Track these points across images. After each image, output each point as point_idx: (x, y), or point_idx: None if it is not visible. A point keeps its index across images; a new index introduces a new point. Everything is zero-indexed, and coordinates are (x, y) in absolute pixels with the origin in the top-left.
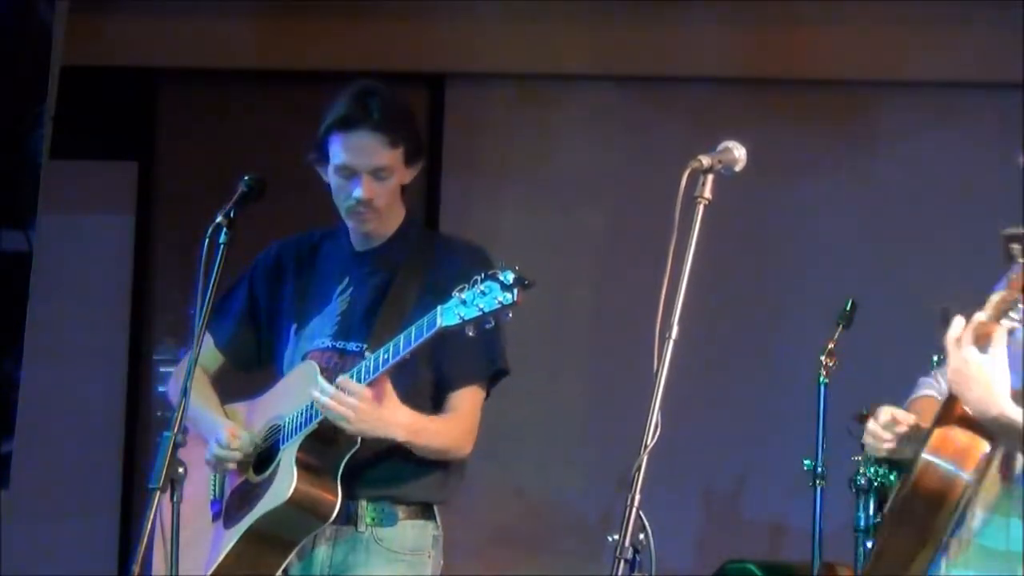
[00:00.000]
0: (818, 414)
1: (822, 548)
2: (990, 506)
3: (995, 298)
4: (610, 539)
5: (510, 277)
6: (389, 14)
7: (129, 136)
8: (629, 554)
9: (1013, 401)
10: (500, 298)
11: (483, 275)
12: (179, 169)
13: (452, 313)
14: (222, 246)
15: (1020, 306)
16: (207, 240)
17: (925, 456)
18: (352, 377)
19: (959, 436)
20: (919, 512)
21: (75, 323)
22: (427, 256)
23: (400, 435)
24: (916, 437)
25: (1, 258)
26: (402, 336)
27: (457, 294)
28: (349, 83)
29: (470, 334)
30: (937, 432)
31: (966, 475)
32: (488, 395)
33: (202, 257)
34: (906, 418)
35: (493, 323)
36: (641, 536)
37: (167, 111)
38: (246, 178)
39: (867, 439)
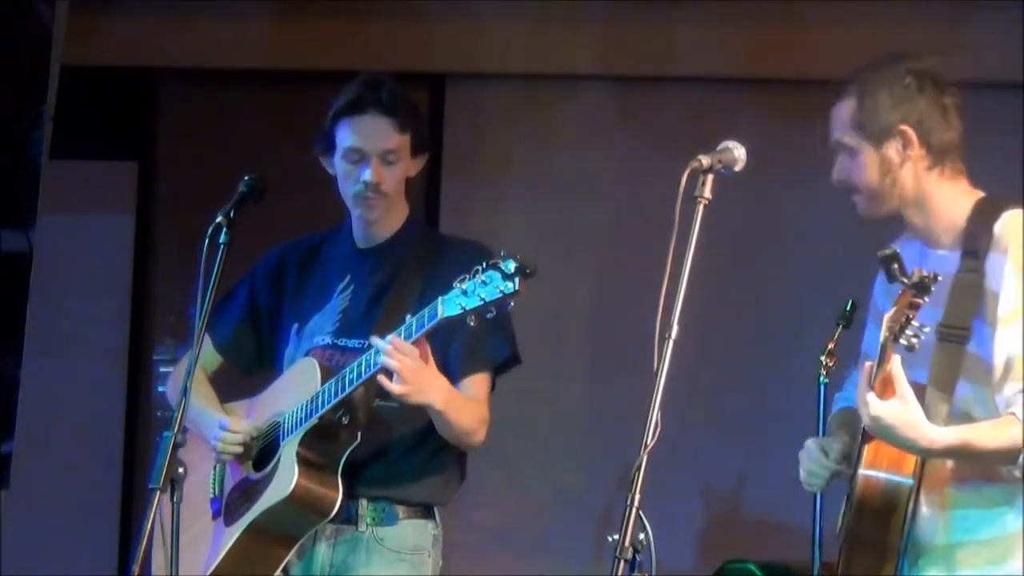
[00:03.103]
0: (818, 414)
1: (822, 548)
2: (943, 504)
3: (886, 320)
4: (610, 539)
5: (511, 266)
6: (389, 14)
7: (129, 136)
8: (629, 554)
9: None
10: (501, 287)
11: (484, 265)
12: (179, 169)
13: (453, 303)
14: (222, 246)
15: (914, 323)
16: (207, 240)
17: (862, 472)
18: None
19: (883, 462)
20: (870, 529)
21: (75, 323)
22: (429, 254)
23: (438, 402)
24: (850, 456)
25: (1, 258)
26: (403, 328)
27: (458, 284)
28: (352, 79)
29: (471, 323)
30: (868, 447)
31: (907, 480)
32: (494, 386)
33: (202, 257)
34: (822, 443)
35: (495, 312)
36: (641, 536)
37: (167, 111)
38: (246, 178)
39: (803, 477)
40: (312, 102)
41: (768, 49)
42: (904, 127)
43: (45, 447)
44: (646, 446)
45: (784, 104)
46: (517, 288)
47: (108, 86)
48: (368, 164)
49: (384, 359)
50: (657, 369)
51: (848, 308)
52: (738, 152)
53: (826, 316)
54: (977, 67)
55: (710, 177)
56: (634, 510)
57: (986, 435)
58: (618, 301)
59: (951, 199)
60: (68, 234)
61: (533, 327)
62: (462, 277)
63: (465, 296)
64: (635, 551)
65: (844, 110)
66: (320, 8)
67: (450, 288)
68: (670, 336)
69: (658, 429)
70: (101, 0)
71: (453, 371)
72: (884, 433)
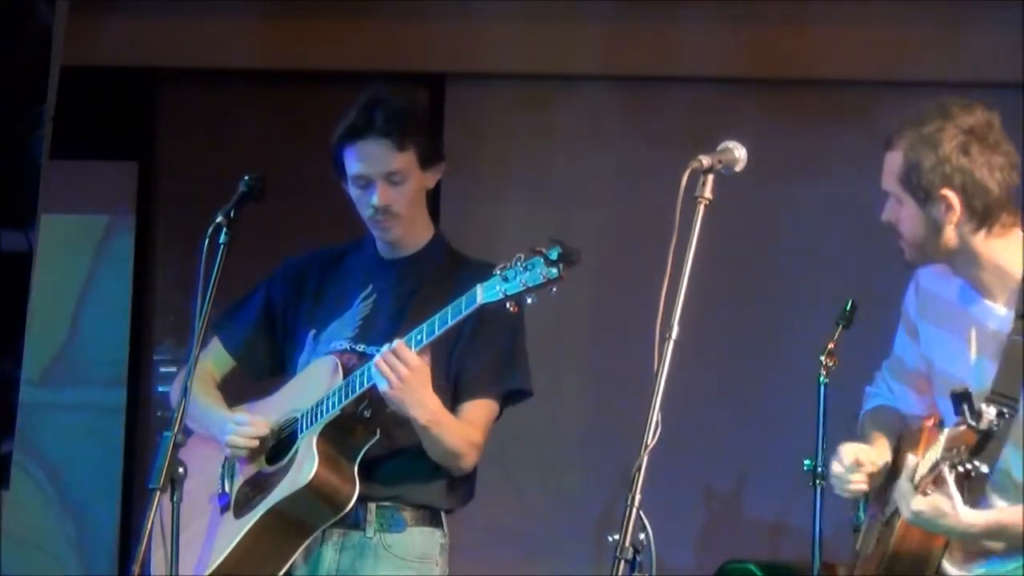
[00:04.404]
0: (818, 414)
1: (822, 548)
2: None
3: (946, 441)
4: (610, 539)
5: (556, 252)
6: (389, 14)
7: (129, 136)
8: (629, 554)
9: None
10: (545, 272)
11: (527, 251)
12: (179, 169)
13: (493, 289)
14: (222, 246)
15: (975, 462)
16: (207, 240)
17: (906, 519)
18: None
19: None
20: (901, 571)
21: (75, 323)
22: (455, 273)
23: (422, 417)
24: (881, 471)
25: (1, 258)
26: (437, 317)
27: (499, 271)
28: (351, 85)
29: (511, 309)
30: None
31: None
32: (501, 413)
33: (202, 257)
34: (870, 457)
35: (535, 299)
36: (641, 536)
37: (167, 111)
38: (246, 178)
39: (833, 481)
40: (312, 102)
41: (768, 49)
42: (946, 192)
43: (45, 447)
44: (646, 446)
45: (784, 104)
46: (561, 275)
47: (108, 86)
48: (374, 188)
49: (379, 359)
50: (657, 369)
51: (848, 308)
52: (738, 152)
53: (826, 316)
54: (977, 67)
55: (710, 177)
56: (634, 510)
57: (1020, 517)
58: (618, 301)
59: (1002, 255)
60: (68, 234)
61: (533, 327)
62: (503, 264)
63: (506, 282)
64: (635, 551)
65: (893, 161)
66: (320, 8)
67: (490, 275)
68: (670, 336)
69: (658, 429)
70: (101, 0)
71: (461, 391)
72: (924, 524)
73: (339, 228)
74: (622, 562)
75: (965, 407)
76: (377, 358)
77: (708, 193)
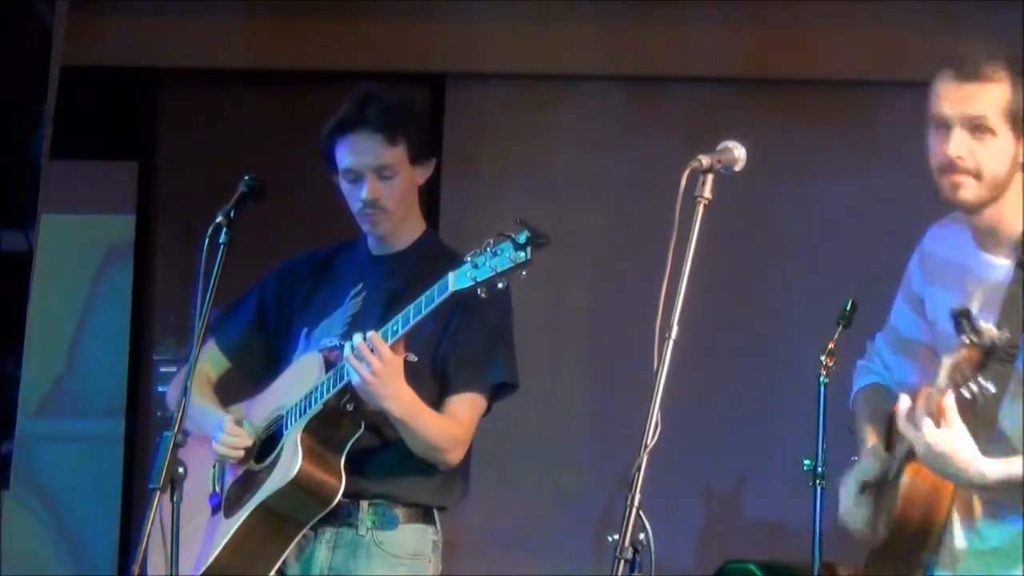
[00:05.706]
0: (818, 414)
1: (822, 548)
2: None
3: (948, 367)
4: (610, 539)
5: (523, 236)
6: (389, 14)
7: (129, 136)
8: (629, 554)
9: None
10: (513, 256)
11: (495, 237)
12: (179, 169)
13: (464, 277)
14: (222, 246)
15: (980, 380)
16: (207, 240)
17: (918, 452)
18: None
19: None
20: (902, 548)
21: (74, 323)
22: (445, 269)
23: (396, 410)
24: (882, 457)
25: (1, 258)
26: (411, 306)
27: (469, 258)
28: (351, 85)
29: (482, 295)
30: (907, 476)
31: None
32: (489, 409)
33: (202, 257)
34: (867, 475)
35: (506, 284)
36: (641, 536)
37: (167, 111)
38: (246, 178)
39: (843, 517)
40: (312, 102)
41: (769, 49)
42: None
43: (45, 447)
44: (646, 446)
45: (784, 104)
46: (529, 258)
47: (108, 86)
48: (364, 182)
49: (348, 352)
50: (657, 369)
51: (848, 308)
52: (738, 152)
53: (825, 316)
54: None
55: (710, 177)
56: (634, 510)
57: None
58: (618, 301)
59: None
60: (68, 234)
61: (532, 327)
62: (473, 251)
63: (476, 269)
64: (635, 551)
65: (996, 93)
66: (321, 8)
67: (461, 263)
68: (670, 336)
69: (658, 429)
70: (101, 0)
71: (446, 386)
72: (935, 461)
73: (339, 228)
74: (622, 562)
75: (965, 323)
76: (348, 351)
77: (708, 193)
